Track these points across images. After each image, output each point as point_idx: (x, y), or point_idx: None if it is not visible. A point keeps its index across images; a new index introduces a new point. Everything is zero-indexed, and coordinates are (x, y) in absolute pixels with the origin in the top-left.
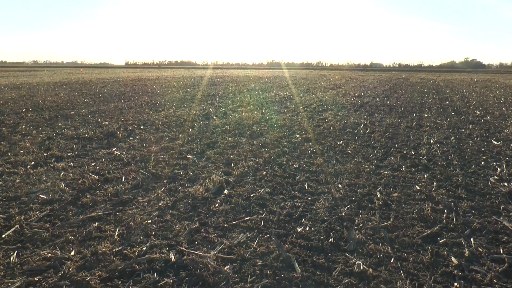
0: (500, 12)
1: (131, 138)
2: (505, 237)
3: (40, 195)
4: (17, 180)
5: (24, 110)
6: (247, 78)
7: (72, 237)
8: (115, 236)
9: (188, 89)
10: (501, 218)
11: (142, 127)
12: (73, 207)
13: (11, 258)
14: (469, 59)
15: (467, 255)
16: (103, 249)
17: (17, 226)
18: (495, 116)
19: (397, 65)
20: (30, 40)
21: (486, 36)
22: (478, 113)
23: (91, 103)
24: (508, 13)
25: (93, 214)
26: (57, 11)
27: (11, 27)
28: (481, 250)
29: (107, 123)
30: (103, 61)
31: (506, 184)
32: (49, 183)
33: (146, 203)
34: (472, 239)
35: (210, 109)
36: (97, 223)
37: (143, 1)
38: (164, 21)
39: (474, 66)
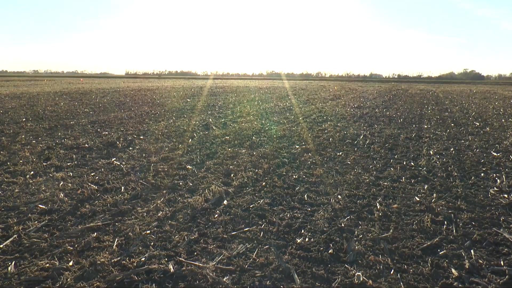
0: (497, 24)
1: (130, 148)
2: (506, 249)
3: (39, 205)
4: (16, 190)
5: (24, 119)
6: (247, 88)
7: (71, 247)
8: (114, 247)
9: (188, 99)
10: (502, 230)
11: (141, 137)
12: (72, 217)
13: (9, 268)
14: (468, 70)
15: (467, 267)
16: (102, 260)
17: (15, 236)
18: (495, 127)
19: (396, 76)
20: (31, 50)
21: (484, 47)
22: (478, 124)
23: (91, 113)
24: (506, 25)
25: (92, 224)
26: (58, 21)
27: (13, 37)
28: (481, 262)
29: (107, 133)
30: (104, 71)
31: (506, 195)
32: (48, 193)
33: (145, 214)
34: (472, 251)
35: (210, 120)
36: (95, 233)
37: (143, 11)
38: (165, 31)
39: (473, 77)
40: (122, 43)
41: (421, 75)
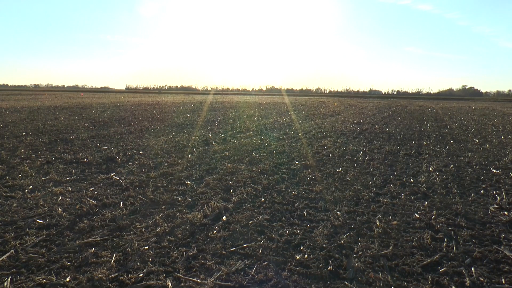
0: (496, 41)
1: (130, 163)
2: (507, 267)
3: (37, 220)
4: (14, 204)
5: (24, 133)
6: (247, 104)
7: (68, 263)
8: (112, 262)
9: (188, 115)
10: (502, 247)
11: (141, 152)
12: (70, 232)
13: (5, 283)
14: (467, 87)
15: (468, 284)
16: (99, 275)
17: (12, 251)
18: (494, 144)
19: (395, 92)
20: (32, 63)
21: (483, 64)
22: (477, 141)
23: (91, 127)
24: (503, 43)
25: (90, 239)
26: (59, 36)
27: (13, 50)
28: (482, 279)
29: (106, 147)
30: (104, 85)
31: (506, 213)
32: (46, 208)
33: (143, 229)
34: (473, 268)
35: (210, 135)
36: (93, 248)
37: (143, 26)
38: (165, 46)
39: (471, 94)
40: (123, 57)
41: (420, 91)
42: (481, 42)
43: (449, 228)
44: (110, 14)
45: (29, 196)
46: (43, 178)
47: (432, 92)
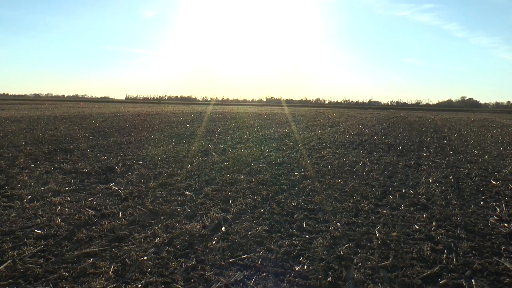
0: (494, 53)
1: (129, 174)
2: (507, 279)
3: (35, 230)
4: (13, 214)
5: (23, 143)
6: (247, 114)
7: (66, 273)
8: (110, 273)
9: (188, 125)
10: (502, 259)
11: (140, 162)
12: (68, 242)
13: None
14: (466, 98)
15: None
16: (97, 286)
17: (9, 261)
18: (493, 155)
19: (395, 103)
20: (33, 73)
21: (481, 76)
22: (476, 152)
23: (91, 137)
24: (501, 54)
25: (88, 250)
26: (60, 45)
27: (14, 60)
28: None
29: (106, 158)
30: (104, 95)
31: (506, 224)
32: (45, 218)
33: (142, 240)
34: (473, 281)
35: (209, 145)
36: (92, 259)
37: (144, 37)
38: (165, 56)
39: (471, 105)
40: (123, 68)
41: (419, 102)
42: (479, 54)
43: (449, 240)
44: (111, 25)
45: (27, 206)
46: (42, 188)
47: (431, 103)
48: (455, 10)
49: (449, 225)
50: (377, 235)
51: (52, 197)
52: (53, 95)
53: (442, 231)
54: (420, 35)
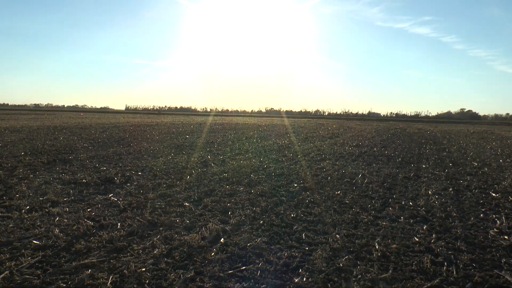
0: (491, 65)
1: (128, 184)
2: None
3: (33, 241)
4: (11, 225)
5: (22, 153)
6: (246, 125)
7: (64, 285)
8: (108, 284)
9: (187, 136)
10: (503, 272)
11: (140, 173)
12: (66, 253)
13: None
14: (465, 110)
15: None
16: None
17: (6, 272)
18: (493, 167)
19: (394, 115)
20: (33, 83)
21: (480, 88)
22: (476, 164)
23: (90, 148)
24: (499, 67)
25: (86, 261)
26: (60, 55)
27: (14, 70)
28: None
29: (105, 168)
30: (104, 105)
31: (506, 237)
32: (43, 229)
33: (141, 251)
34: None
35: (209, 157)
36: (90, 270)
37: (143, 47)
38: (166, 67)
39: (470, 117)
40: (123, 78)
41: (418, 114)
42: (478, 66)
43: (449, 252)
44: (111, 35)
45: (25, 216)
46: (41, 198)
47: (430, 115)
48: (454, 23)
49: (449, 237)
50: (377, 247)
51: (51, 208)
52: (53, 105)
53: (442, 243)
54: (419, 47)
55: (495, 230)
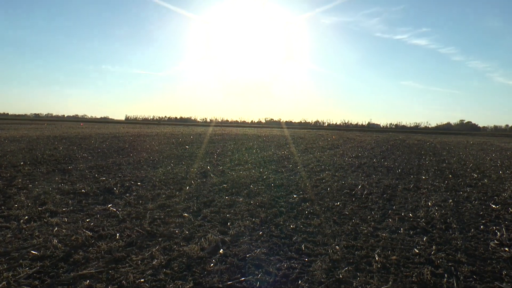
0: (490, 76)
1: (127, 195)
2: None
3: (31, 251)
4: (8, 235)
5: (22, 163)
6: (246, 136)
7: None
8: None
9: (187, 146)
10: (504, 284)
11: (139, 183)
12: (65, 264)
13: None
14: (465, 121)
15: None
16: None
17: (4, 283)
18: (493, 179)
19: (393, 126)
20: (33, 93)
21: (479, 99)
22: (475, 176)
23: (90, 158)
24: (498, 78)
25: (84, 271)
26: (60, 65)
27: (15, 80)
28: None
29: (104, 178)
30: (104, 115)
31: (507, 249)
32: (41, 239)
33: (139, 261)
34: None
35: (208, 167)
36: (88, 281)
37: (143, 57)
38: (165, 77)
39: (469, 129)
40: (123, 88)
41: (418, 125)
42: (476, 77)
43: (449, 264)
44: (111, 45)
45: (24, 226)
46: (39, 208)
47: (430, 126)
48: (452, 34)
49: (449, 249)
50: (377, 258)
51: (49, 218)
52: (53, 115)
53: (442, 255)
54: (418, 58)
55: (496, 241)
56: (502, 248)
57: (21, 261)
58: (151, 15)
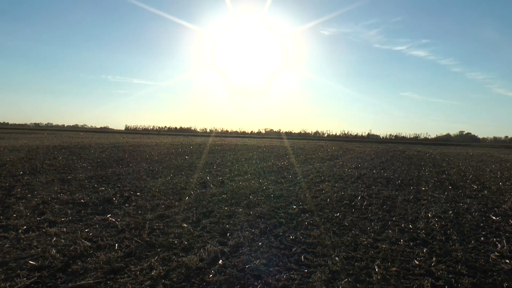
0: (489, 88)
1: (127, 205)
2: None
3: (29, 261)
4: (7, 245)
5: (21, 173)
6: (246, 146)
7: None
8: None
9: (187, 157)
10: None
11: (138, 193)
12: (63, 274)
13: None
14: (464, 133)
15: None
16: None
17: None
18: (492, 190)
19: (393, 137)
20: (33, 102)
21: (478, 110)
22: (475, 187)
23: (89, 167)
24: (497, 90)
25: (82, 282)
26: (61, 75)
27: (15, 89)
28: None
29: (103, 188)
30: (104, 125)
31: (508, 261)
32: (39, 249)
33: (138, 272)
34: None
35: (208, 178)
36: None
37: (143, 68)
38: (165, 87)
39: (469, 140)
40: (123, 98)
41: (418, 136)
42: (476, 88)
43: (450, 276)
44: (111, 55)
45: (22, 236)
46: (38, 218)
47: (429, 137)
48: (451, 46)
49: (450, 260)
50: (377, 270)
51: (48, 228)
52: (53, 124)
53: (443, 266)
54: (417, 69)
55: (496, 253)
56: (503, 260)
57: (19, 271)
58: (154, 24)
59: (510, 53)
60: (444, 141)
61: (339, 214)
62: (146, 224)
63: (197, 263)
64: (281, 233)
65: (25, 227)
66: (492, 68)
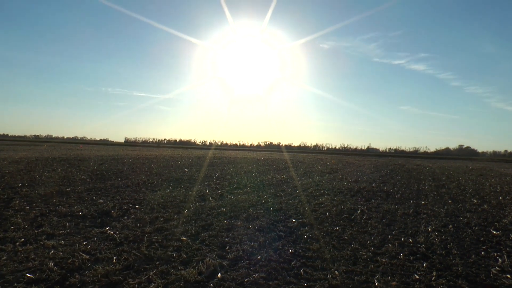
0: (488, 102)
1: (125, 218)
2: None
3: (27, 274)
4: (4, 258)
5: (20, 184)
6: (245, 159)
7: None
8: None
9: (186, 169)
10: None
11: (137, 206)
12: (60, 287)
13: None
14: (463, 146)
15: None
16: None
17: None
18: (492, 205)
19: (393, 151)
20: (33, 114)
21: (477, 124)
22: (475, 201)
23: (88, 180)
24: (496, 104)
25: None
26: (61, 87)
27: (15, 101)
28: None
29: (102, 201)
30: (104, 137)
31: (509, 276)
32: (37, 262)
33: (136, 285)
34: None
35: (207, 190)
36: None
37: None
38: (165, 100)
39: (468, 154)
40: (123, 110)
41: (417, 150)
42: (475, 102)
43: None
44: (112, 68)
45: (20, 249)
46: (36, 230)
47: (429, 151)
48: (450, 60)
49: (450, 275)
50: (376, 284)
51: (46, 240)
52: (53, 136)
53: (443, 281)
54: (416, 83)
55: (497, 268)
56: (503, 275)
57: (16, 284)
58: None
59: (509, 67)
60: (443, 154)
61: (339, 228)
62: (145, 237)
63: (195, 276)
64: (280, 247)
65: (22, 239)
66: (490, 82)
